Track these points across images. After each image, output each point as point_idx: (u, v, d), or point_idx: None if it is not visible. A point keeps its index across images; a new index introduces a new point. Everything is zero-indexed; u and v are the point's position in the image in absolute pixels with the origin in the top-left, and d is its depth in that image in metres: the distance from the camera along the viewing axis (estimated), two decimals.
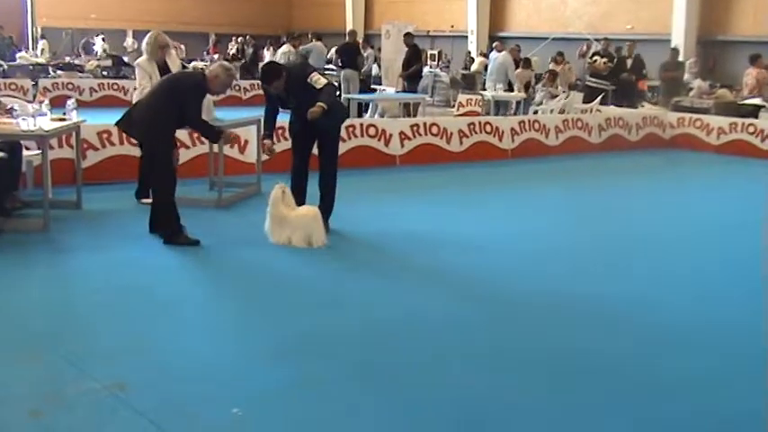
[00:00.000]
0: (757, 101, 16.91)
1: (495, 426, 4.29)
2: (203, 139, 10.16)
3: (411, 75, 18.50)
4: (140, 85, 9.16)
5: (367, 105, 16.81)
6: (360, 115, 16.02)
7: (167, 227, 7.65)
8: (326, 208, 8.25)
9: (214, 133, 8.06)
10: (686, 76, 20.56)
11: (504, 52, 19.80)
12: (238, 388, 4.61)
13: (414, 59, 18.61)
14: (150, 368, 4.83)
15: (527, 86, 19.21)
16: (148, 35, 9.43)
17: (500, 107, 18.53)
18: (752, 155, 15.15)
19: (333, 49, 22.05)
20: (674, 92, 19.04)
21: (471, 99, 20.28)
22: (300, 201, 8.15)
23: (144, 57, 9.31)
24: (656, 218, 9.93)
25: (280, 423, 4.23)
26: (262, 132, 8.72)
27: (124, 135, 9.93)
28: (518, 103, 18.48)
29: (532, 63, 21.15)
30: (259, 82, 10.49)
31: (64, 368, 4.79)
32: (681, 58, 20.49)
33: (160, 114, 7.60)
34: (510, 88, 18.76)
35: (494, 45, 23.22)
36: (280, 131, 10.05)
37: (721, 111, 17.03)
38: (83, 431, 4.03)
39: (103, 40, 29.03)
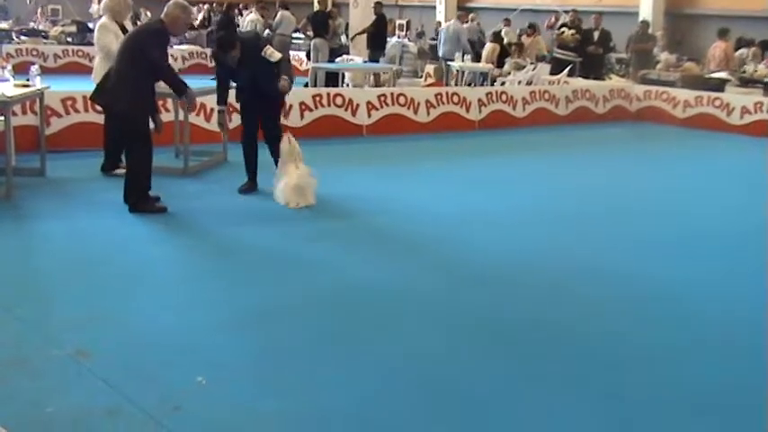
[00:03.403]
0: (723, 74, 17.02)
1: (458, 393, 4.35)
2: (169, 106, 10.13)
3: (370, 39, 18.58)
4: (104, 44, 8.66)
5: (335, 75, 16.74)
6: (327, 84, 15.94)
7: (134, 195, 7.59)
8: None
9: (181, 84, 7.73)
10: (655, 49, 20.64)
11: (453, 20, 19.88)
12: (202, 356, 4.62)
13: (374, 26, 18.68)
14: (114, 336, 4.83)
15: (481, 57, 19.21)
16: None
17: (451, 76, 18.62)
18: (717, 128, 15.26)
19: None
20: (645, 64, 19.09)
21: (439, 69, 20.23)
22: (254, 168, 8.63)
23: (105, 18, 8.85)
24: (622, 189, 9.98)
25: (244, 390, 4.24)
26: (217, 101, 8.70)
27: (89, 102, 9.84)
28: (483, 74, 18.48)
29: (503, 32, 21.23)
30: None
31: (27, 335, 4.79)
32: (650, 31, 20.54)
33: (137, 80, 7.43)
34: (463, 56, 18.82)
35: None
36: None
37: (688, 84, 17.11)
38: (47, 397, 4.02)
39: None
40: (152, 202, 7.61)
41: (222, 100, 8.60)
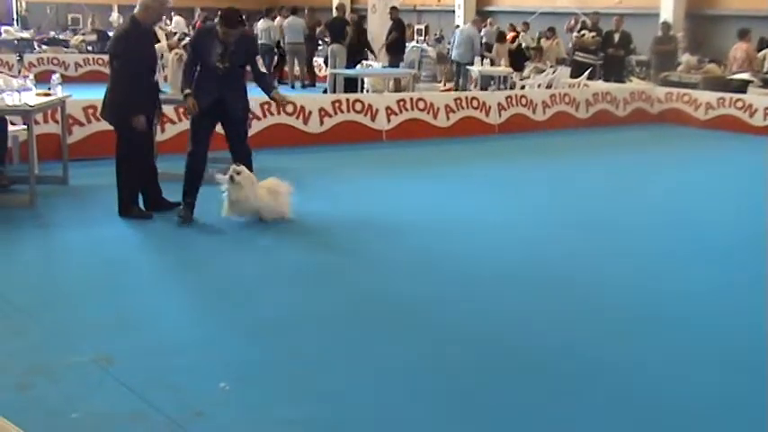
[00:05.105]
0: (745, 76, 16.88)
1: (475, 402, 4.33)
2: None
3: (390, 45, 18.62)
4: None
5: (355, 80, 16.77)
6: (346, 90, 15.96)
7: (120, 200, 7.62)
8: None
9: (133, 105, 7.36)
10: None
11: (468, 24, 19.91)
12: (225, 362, 4.63)
13: (395, 32, 18.73)
14: (136, 342, 4.84)
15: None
16: None
17: (462, 79, 18.66)
18: (740, 130, 15.15)
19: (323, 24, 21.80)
20: (667, 66, 18.98)
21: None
22: (198, 186, 7.69)
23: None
24: (643, 194, 9.92)
25: (266, 397, 4.24)
26: (183, 87, 7.59)
27: None
28: (501, 78, 18.48)
29: (520, 37, 21.22)
30: None
31: (51, 341, 4.81)
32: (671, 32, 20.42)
33: (120, 86, 7.41)
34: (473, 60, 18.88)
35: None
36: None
37: (709, 85, 16.99)
38: (71, 403, 4.03)
39: None
40: (137, 209, 7.64)
41: (187, 85, 7.51)
